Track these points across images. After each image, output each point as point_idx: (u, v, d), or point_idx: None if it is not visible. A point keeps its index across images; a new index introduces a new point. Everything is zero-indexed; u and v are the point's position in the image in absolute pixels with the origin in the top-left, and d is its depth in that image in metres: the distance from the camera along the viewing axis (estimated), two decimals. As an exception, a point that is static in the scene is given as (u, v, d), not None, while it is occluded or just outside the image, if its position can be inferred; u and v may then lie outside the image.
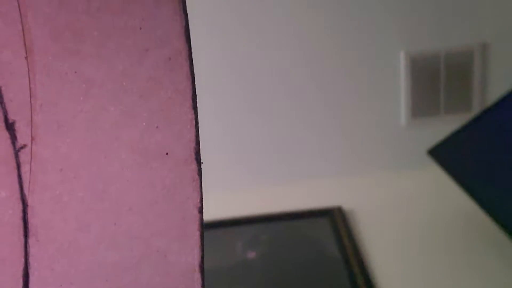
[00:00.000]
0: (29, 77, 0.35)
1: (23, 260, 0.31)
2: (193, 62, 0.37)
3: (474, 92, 1.86)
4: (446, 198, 1.58)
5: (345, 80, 1.93)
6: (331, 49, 1.92)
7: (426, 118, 1.89)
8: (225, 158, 1.92)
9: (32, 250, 0.32)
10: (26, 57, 0.35)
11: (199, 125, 0.36)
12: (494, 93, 1.75)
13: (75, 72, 0.36)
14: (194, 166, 0.35)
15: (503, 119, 1.34)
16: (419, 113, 1.89)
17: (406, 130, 1.92)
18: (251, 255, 1.47)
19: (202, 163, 0.35)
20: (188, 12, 0.37)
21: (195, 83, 0.36)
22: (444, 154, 1.48)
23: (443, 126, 1.60)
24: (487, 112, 1.40)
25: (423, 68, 1.86)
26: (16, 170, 0.33)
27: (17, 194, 0.32)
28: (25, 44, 0.36)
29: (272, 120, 1.95)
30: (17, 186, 0.32)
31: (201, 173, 0.35)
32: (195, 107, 0.36)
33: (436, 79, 1.85)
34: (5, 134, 0.33)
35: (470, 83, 1.85)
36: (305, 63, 1.92)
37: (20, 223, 0.32)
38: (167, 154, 0.35)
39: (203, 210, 0.35)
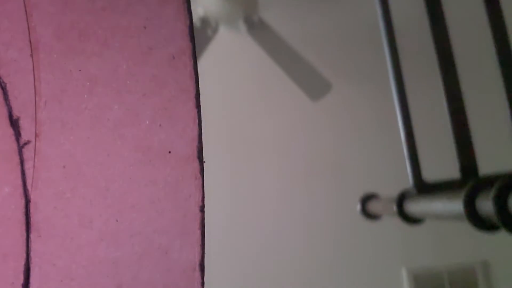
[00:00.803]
0: (34, 74, 0.35)
1: (25, 255, 0.31)
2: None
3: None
4: None
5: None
6: (331, 266, 1.98)
7: None
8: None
9: (34, 246, 0.32)
10: (31, 55, 0.36)
11: (202, 124, 0.36)
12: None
13: (80, 70, 0.36)
14: (196, 164, 0.35)
15: None
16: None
17: None
18: None
19: (204, 161, 0.36)
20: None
21: (199, 82, 0.36)
22: None
23: None
24: None
25: (427, 286, 1.88)
26: (19, 166, 0.33)
27: (20, 190, 0.32)
28: (30, 42, 0.36)
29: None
30: (20, 182, 0.33)
31: (203, 171, 0.35)
32: (198, 106, 0.36)
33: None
34: (10, 131, 0.34)
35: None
36: (308, 281, 1.97)
37: (22, 218, 0.32)
38: (169, 152, 0.35)
39: (205, 209, 0.35)
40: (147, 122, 0.36)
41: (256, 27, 1.77)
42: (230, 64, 2.23)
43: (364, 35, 2.09)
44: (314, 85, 1.81)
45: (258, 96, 2.23)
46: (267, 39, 1.77)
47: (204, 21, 1.74)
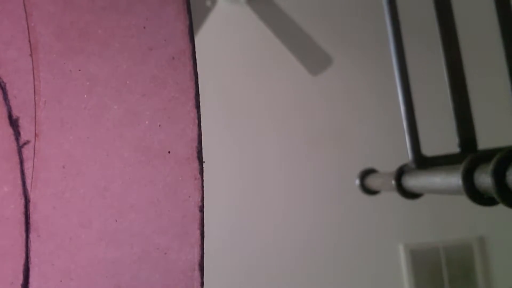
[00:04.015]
0: (33, 74, 0.35)
1: (24, 255, 0.31)
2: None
3: (479, 285, 1.88)
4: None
5: (346, 276, 1.97)
6: (327, 242, 1.99)
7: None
8: None
9: (33, 245, 0.32)
10: (30, 55, 0.36)
11: (201, 124, 0.36)
12: (498, 285, 1.79)
13: (79, 70, 0.36)
14: (196, 164, 0.35)
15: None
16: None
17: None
18: None
19: (204, 162, 0.36)
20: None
21: (198, 82, 0.36)
22: None
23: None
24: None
25: (424, 262, 1.89)
26: (19, 166, 0.33)
27: (20, 190, 0.32)
28: (30, 42, 0.36)
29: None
30: (19, 181, 0.33)
31: (202, 172, 0.35)
32: (198, 106, 0.36)
33: (438, 272, 1.87)
34: (9, 130, 0.34)
35: (474, 276, 1.87)
36: (304, 258, 1.98)
37: (21, 218, 0.32)
38: (169, 152, 0.35)
39: (204, 209, 0.35)
40: (147, 122, 0.36)
41: None
42: (229, 35, 2.22)
43: (366, 6, 2.09)
44: (314, 58, 1.80)
45: (257, 69, 2.22)
46: (267, 10, 1.75)
47: None
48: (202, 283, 0.34)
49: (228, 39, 2.22)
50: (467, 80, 0.75)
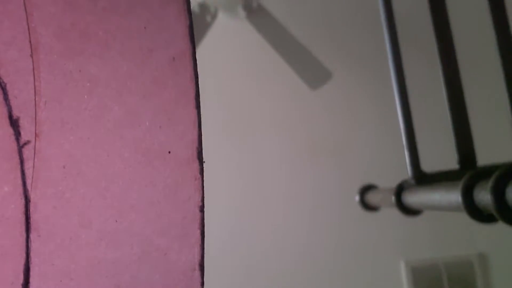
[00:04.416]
0: (34, 74, 0.35)
1: (24, 255, 0.31)
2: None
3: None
4: None
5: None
6: (329, 258, 1.99)
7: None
8: None
9: (33, 245, 0.32)
10: (31, 55, 0.36)
11: (201, 125, 0.36)
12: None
13: (80, 71, 0.36)
14: (196, 165, 0.36)
15: None
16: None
17: None
18: None
19: (204, 162, 0.36)
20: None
21: (199, 84, 0.36)
22: None
23: None
24: None
25: (425, 279, 1.90)
26: (19, 166, 0.33)
27: (20, 190, 0.32)
28: (30, 43, 0.36)
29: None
30: (20, 181, 0.33)
31: (203, 172, 0.36)
32: (198, 108, 0.36)
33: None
34: (9, 130, 0.34)
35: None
36: (302, 275, 1.99)
37: (22, 218, 0.32)
38: (169, 153, 0.35)
39: (204, 209, 0.35)
40: (147, 123, 0.36)
41: (255, 13, 1.76)
42: (229, 50, 2.22)
43: (365, 22, 2.10)
44: (313, 73, 1.80)
45: (257, 83, 2.22)
46: (266, 25, 1.76)
47: (203, 7, 1.73)
48: (202, 283, 0.34)
49: (228, 53, 2.23)
50: (465, 95, 0.76)
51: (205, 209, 0.36)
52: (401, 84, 0.82)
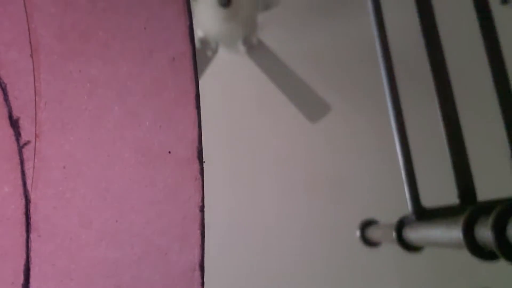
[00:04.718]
0: (34, 75, 0.35)
1: (24, 255, 0.31)
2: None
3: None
4: None
5: None
6: None
7: None
8: None
9: (33, 246, 0.32)
10: (31, 56, 0.36)
11: (201, 125, 0.36)
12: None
13: (80, 71, 0.36)
14: (196, 165, 0.36)
15: None
16: None
17: None
18: None
19: (204, 162, 0.36)
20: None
21: (199, 84, 0.36)
22: None
23: None
24: None
25: None
26: (19, 166, 0.33)
27: (20, 190, 0.32)
28: (30, 43, 0.36)
29: None
30: (20, 182, 0.33)
31: (203, 172, 0.35)
32: (198, 108, 0.36)
33: None
34: (10, 131, 0.34)
35: None
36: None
37: (22, 218, 0.32)
38: (169, 153, 0.35)
39: (204, 209, 0.35)
40: (147, 123, 0.36)
41: (255, 48, 1.78)
42: (230, 84, 2.24)
43: (363, 56, 2.10)
44: (313, 107, 1.82)
45: (258, 117, 2.24)
46: (266, 60, 1.78)
47: (204, 42, 1.75)
48: (202, 284, 0.34)
49: (228, 87, 2.24)
50: (464, 130, 0.75)
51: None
52: (399, 119, 0.82)
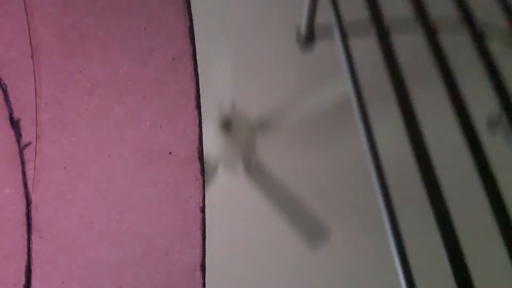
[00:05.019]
0: (34, 76, 0.35)
1: (26, 256, 0.31)
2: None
3: None
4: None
5: None
6: None
7: None
8: None
9: (35, 247, 0.32)
10: (31, 57, 0.36)
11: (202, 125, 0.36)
12: None
13: (80, 72, 0.36)
14: (197, 165, 0.35)
15: None
16: None
17: None
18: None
19: (205, 162, 0.36)
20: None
21: (199, 83, 0.36)
22: None
23: None
24: None
25: None
26: (20, 167, 0.33)
27: (21, 191, 0.32)
28: (31, 44, 0.36)
29: None
30: (21, 183, 0.33)
31: (204, 172, 0.35)
32: (198, 107, 0.36)
33: None
34: (10, 132, 0.34)
35: None
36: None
37: (23, 219, 0.32)
38: (170, 153, 0.35)
39: (205, 209, 0.35)
40: (148, 123, 0.36)
41: (254, 170, 1.80)
42: (228, 206, 2.25)
43: (361, 176, 2.08)
44: (311, 230, 1.83)
45: (255, 239, 2.24)
46: (265, 182, 1.80)
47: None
48: (203, 284, 0.34)
49: (226, 209, 2.24)
50: (463, 247, 0.75)
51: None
52: (398, 242, 0.82)
